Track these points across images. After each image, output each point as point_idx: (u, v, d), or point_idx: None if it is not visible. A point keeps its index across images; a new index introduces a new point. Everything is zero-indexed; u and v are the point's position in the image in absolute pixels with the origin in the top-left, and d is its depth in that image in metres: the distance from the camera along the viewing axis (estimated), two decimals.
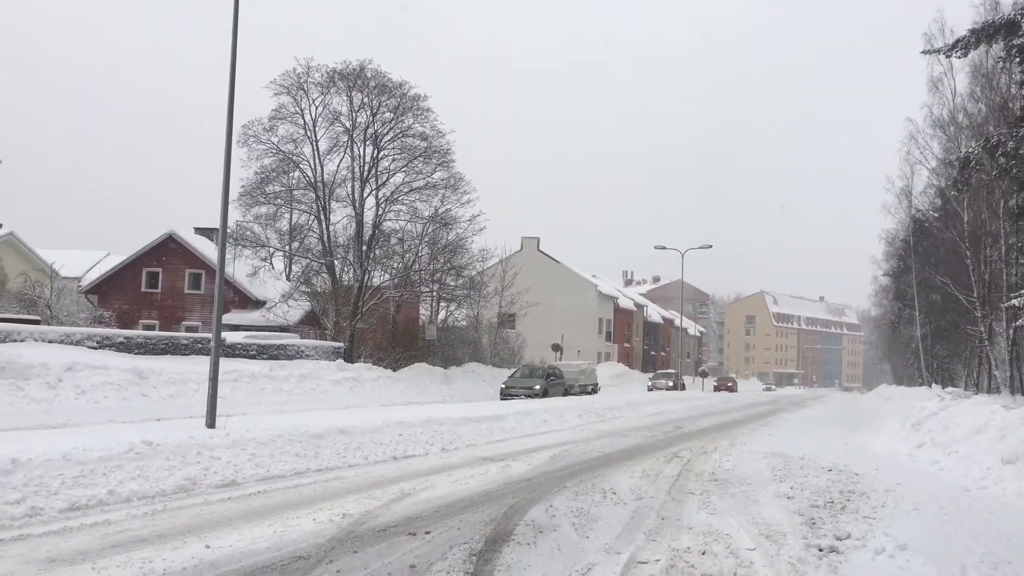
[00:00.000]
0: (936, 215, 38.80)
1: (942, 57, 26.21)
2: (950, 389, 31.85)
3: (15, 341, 21.65)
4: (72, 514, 7.54)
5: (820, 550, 6.74)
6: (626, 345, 74.35)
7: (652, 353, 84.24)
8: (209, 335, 17.02)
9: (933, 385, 38.26)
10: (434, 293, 41.78)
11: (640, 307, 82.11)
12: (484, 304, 46.99)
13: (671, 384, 51.27)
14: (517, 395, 29.49)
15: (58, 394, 19.01)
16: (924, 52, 24.48)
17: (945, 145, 34.77)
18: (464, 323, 46.17)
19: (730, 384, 66.91)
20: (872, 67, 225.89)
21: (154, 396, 21.00)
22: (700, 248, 55.09)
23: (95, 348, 23.86)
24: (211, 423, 12.28)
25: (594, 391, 38.40)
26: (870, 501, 9.07)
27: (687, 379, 67.21)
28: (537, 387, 30.20)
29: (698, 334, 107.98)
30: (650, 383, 52.48)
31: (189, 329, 36.44)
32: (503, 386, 31.03)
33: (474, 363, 41.09)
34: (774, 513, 8.40)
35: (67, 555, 6.12)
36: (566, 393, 32.91)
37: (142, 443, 9.54)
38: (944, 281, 34.39)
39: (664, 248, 55.31)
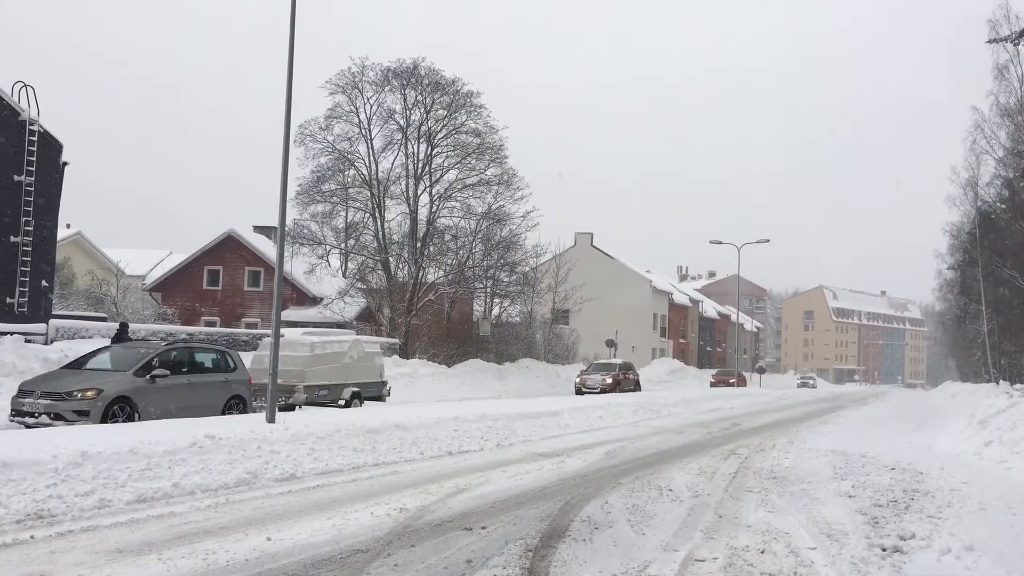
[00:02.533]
0: (1003, 206, 37.63)
1: (1008, 44, 25.42)
2: (1019, 386, 30.80)
3: (83, 338, 22.36)
4: (139, 506, 7.75)
5: (883, 550, 6.59)
6: (681, 341, 73.64)
7: (708, 349, 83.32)
8: (268, 331, 17.25)
9: (1001, 382, 37.06)
10: (488, 289, 42.00)
11: (695, 302, 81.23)
12: (538, 300, 46.98)
13: (609, 381, 32.20)
14: (32, 414, 12.16)
15: None
16: (990, 41, 23.83)
17: (1013, 135, 33.67)
18: (518, 319, 46.25)
19: (732, 381, 48.51)
20: (933, 58, 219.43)
21: None
22: (757, 243, 54.37)
23: None
24: (271, 418, 12.48)
25: (369, 399, 20.69)
26: (935, 500, 8.85)
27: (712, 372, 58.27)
28: (90, 394, 12.27)
29: (755, 329, 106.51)
30: (578, 380, 33.43)
31: (249, 325, 37.18)
32: (17, 392, 13.08)
33: (528, 359, 41.11)
34: (835, 512, 8.24)
35: (134, 546, 6.30)
36: (240, 407, 15.02)
37: (205, 437, 9.78)
38: (1012, 274, 33.39)
39: (720, 243, 54.67)
